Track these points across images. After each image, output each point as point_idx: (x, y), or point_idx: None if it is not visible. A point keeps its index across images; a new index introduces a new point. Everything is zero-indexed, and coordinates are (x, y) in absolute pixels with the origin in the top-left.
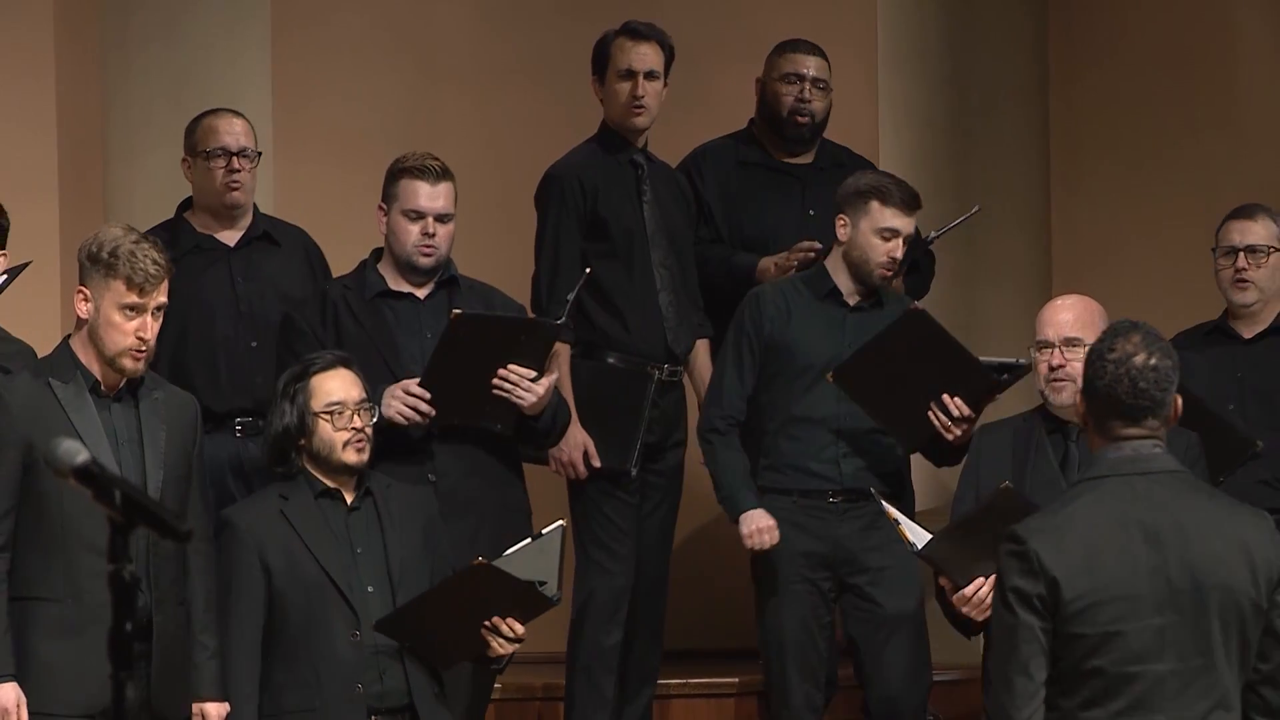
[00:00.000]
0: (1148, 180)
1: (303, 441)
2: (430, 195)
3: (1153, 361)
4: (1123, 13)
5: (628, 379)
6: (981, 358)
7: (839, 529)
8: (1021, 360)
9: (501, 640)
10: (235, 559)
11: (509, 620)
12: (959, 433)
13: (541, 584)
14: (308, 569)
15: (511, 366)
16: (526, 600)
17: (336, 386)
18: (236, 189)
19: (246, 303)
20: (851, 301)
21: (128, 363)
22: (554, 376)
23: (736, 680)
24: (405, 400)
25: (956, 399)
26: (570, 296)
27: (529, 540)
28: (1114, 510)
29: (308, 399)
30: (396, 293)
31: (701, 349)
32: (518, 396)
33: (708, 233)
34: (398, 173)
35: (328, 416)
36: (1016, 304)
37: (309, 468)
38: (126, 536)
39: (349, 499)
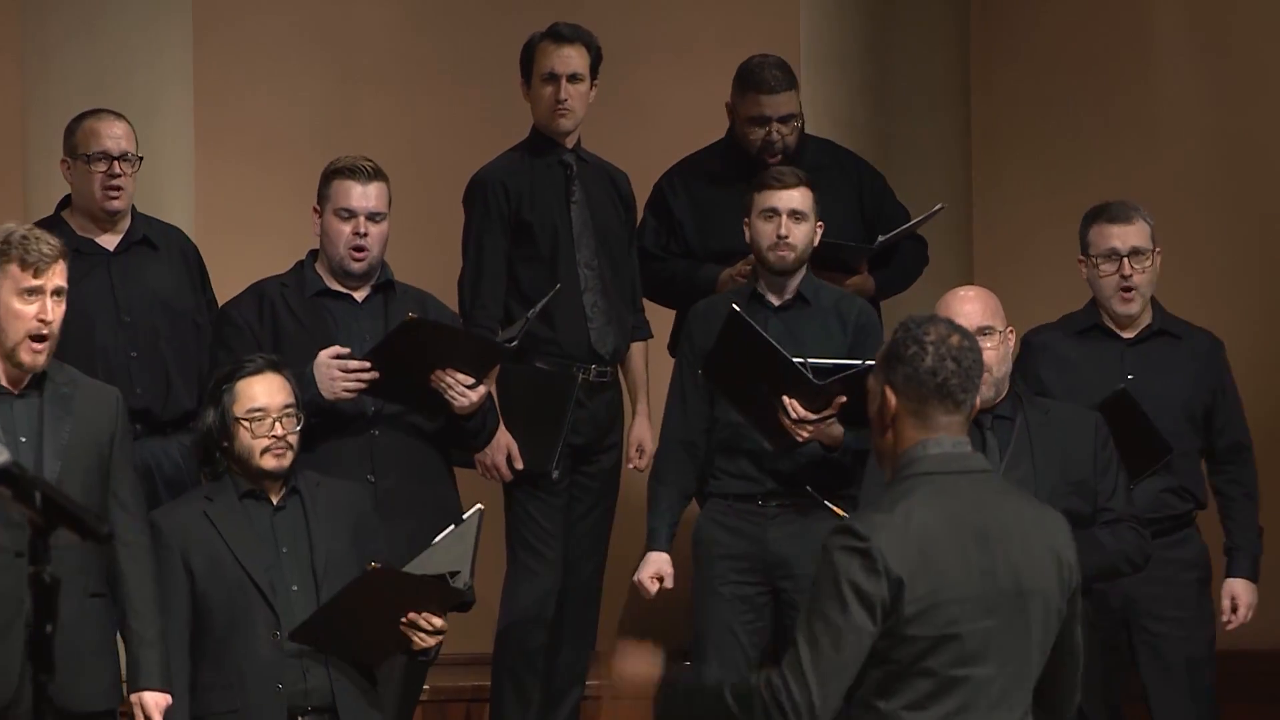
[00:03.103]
0: (1066, 179)
1: (226, 444)
2: (361, 195)
3: (967, 343)
4: (1042, 15)
5: (552, 380)
6: (811, 360)
7: (769, 532)
8: (869, 361)
9: (422, 635)
10: (160, 562)
11: (425, 615)
12: (805, 435)
13: (453, 574)
14: (230, 570)
15: (451, 370)
16: (437, 593)
17: (261, 391)
18: (116, 197)
19: (128, 311)
20: (776, 302)
21: (25, 355)
22: (490, 385)
23: None
24: (347, 379)
25: (793, 400)
26: (531, 315)
27: (451, 528)
28: (947, 509)
29: (231, 403)
30: (335, 293)
31: (637, 352)
32: (451, 398)
33: (678, 248)
34: (330, 174)
35: (247, 423)
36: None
37: (234, 469)
38: (46, 538)
39: (275, 499)
